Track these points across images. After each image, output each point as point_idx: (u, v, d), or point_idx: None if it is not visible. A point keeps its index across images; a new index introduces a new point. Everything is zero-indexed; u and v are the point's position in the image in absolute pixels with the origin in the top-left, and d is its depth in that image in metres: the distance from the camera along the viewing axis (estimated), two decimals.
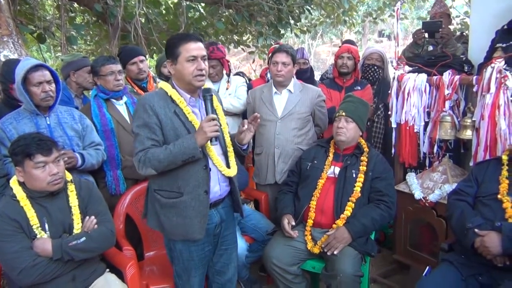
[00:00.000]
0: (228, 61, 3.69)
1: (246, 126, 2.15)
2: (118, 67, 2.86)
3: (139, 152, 2.00)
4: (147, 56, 3.69)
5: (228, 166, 2.20)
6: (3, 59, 3.20)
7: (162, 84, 2.12)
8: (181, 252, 2.19)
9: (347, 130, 2.70)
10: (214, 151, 2.11)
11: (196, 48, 2.02)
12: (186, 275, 2.22)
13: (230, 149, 2.22)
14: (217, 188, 2.18)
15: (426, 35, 3.21)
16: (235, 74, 4.28)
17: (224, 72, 3.59)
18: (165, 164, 1.98)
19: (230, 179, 2.25)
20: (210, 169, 2.10)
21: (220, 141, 2.16)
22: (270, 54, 3.96)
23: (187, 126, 2.05)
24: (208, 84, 3.37)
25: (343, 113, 2.71)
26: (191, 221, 2.09)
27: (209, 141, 1.98)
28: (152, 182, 2.16)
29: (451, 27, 4.05)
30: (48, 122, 2.49)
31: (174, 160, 1.97)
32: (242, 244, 2.84)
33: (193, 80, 2.03)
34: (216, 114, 2.16)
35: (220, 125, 2.16)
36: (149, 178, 2.19)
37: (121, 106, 2.94)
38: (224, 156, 2.21)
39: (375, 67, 3.78)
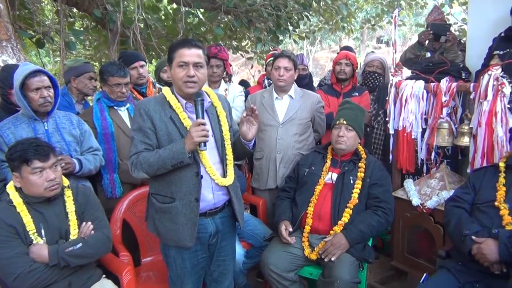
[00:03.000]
0: (230, 65, 3.72)
1: (244, 115, 2.11)
2: (126, 79, 2.86)
3: (132, 156, 2.01)
4: (146, 61, 3.70)
5: (224, 175, 2.17)
6: (1, 64, 3.20)
7: (164, 89, 2.12)
8: (175, 258, 2.18)
9: (348, 139, 2.70)
10: (207, 158, 2.07)
11: (188, 54, 1.99)
12: (180, 282, 2.22)
13: (230, 157, 2.17)
14: (211, 197, 2.14)
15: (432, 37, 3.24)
16: (239, 83, 4.30)
17: (222, 81, 3.60)
18: (155, 168, 1.97)
19: (228, 189, 2.20)
20: (202, 177, 2.08)
21: (218, 149, 2.14)
22: (267, 60, 4.00)
23: (182, 131, 2.03)
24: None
25: (344, 121, 2.71)
26: (182, 228, 2.06)
27: (198, 146, 1.94)
28: (150, 185, 2.17)
29: None
30: (46, 128, 2.49)
31: (164, 164, 1.95)
32: (239, 250, 2.83)
33: (182, 86, 2.01)
34: (219, 120, 2.15)
35: (222, 132, 2.15)
36: (148, 182, 2.20)
37: (123, 112, 2.95)
38: (222, 165, 2.17)
39: (376, 74, 3.79)
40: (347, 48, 4.62)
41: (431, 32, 3.24)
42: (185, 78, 1.99)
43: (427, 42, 3.42)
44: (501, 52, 2.67)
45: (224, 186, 2.15)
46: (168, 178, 2.05)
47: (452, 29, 3.43)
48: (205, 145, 1.96)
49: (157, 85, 3.63)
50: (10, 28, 3.44)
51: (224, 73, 3.58)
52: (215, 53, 3.41)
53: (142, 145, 2.01)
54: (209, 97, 2.17)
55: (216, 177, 2.10)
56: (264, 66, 4.25)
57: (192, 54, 2.00)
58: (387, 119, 3.16)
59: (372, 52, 4.83)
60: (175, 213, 2.06)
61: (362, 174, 2.66)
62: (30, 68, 2.41)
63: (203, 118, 1.97)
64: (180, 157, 1.93)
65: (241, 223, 2.29)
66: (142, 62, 3.31)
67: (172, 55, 2.02)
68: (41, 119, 2.48)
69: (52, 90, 2.47)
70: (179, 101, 2.07)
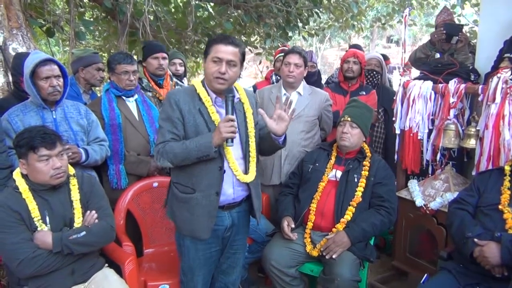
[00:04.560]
0: None
1: (276, 114, 2.08)
2: (133, 67, 2.87)
3: (159, 144, 2.06)
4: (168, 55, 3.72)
5: (246, 171, 2.17)
6: (12, 52, 3.23)
7: (194, 81, 2.15)
8: (189, 249, 2.21)
9: (351, 136, 2.70)
10: (232, 153, 2.09)
11: (223, 50, 2.00)
12: (191, 273, 2.24)
13: (253, 154, 2.17)
14: (231, 192, 2.16)
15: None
16: None
17: None
18: (180, 158, 2.01)
19: (248, 185, 2.21)
20: (224, 171, 2.10)
21: (242, 145, 2.15)
22: (276, 56, 3.99)
23: (209, 125, 2.06)
24: None
25: (349, 118, 2.71)
26: (199, 219, 2.10)
27: (225, 142, 1.97)
28: (172, 174, 2.22)
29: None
30: (54, 116, 2.51)
31: (189, 156, 1.99)
32: None
33: (213, 81, 2.04)
34: (245, 117, 2.16)
35: (247, 129, 2.15)
36: (170, 170, 2.26)
37: (131, 103, 2.96)
38: (244, 161, 2.17)
39: (374, 72, 3.83)
40: (356, 46, 4.60)
41: (444, 31, 3.22)
42: (217, 74, 2.01)
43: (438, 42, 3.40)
44: None
45: (245, 182, 2.16)
46: (190, 169, 2.07)
47: (463, 30, 3.40)
48: (232, 141, 1.97)
49: (174, 79, 3.67)
50: (21, 16, 3.46)
51: None
52: None
53: (169, 134, 2.05)
54: (238, 92, 2.17)
55: (238, 173, 2.12)
56: (273, 62, 4.25)
57: (227, 51, 2.00)
58: (388, 117, 3.14)
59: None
60: (194, 204, 2.10)
61: (367, 173, 2.66)
62: (40, 56, 2.42)
63: (232, 114, 1.98)
64: (207, 151, 1.96)
65: (258, 219, 2.31)
66: (165, 55, 3.38)
67: (209, 49, 2.04)
68: (50, 108, 2.50)
69: (61, 79, 2.49)
70: (209, 95, 2.09)
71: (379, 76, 3.85)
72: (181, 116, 2.05)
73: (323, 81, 4.70)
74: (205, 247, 2.20)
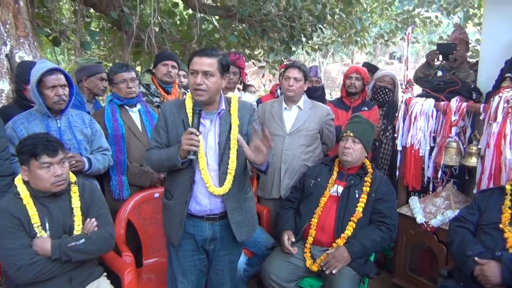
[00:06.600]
0: (246, 74, 3.78)
1: (254, 144, 1.97)
2: (131, 74, 2.89)
3: (146, 150, 2.21)
4: (179, 65, 3.77)
5: (221, 184, 2.14)
6: (18, 60, 3.25)
7: (188, 93, 2.19)
8: (171, 255, 2.28)
9: (354, 151, 2.71)
10: (205, 164, 2.11)
11: (198, 62, 2.03)
12: (174, 280, 2.27)
13: (231, 167, 2.13)
14: (206, 202, 2.15)
15: (440, 57, 3.25)
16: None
17: (236, 90, 3.65)
18: (156, 165, 2.14)
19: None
20: (194, 182, 2.12)
21: (219, 157, 2.13)
22: (281, 70, 4.02)
23: None
24: None
25: (351, 134, 2.72)
26: (171, 225, 2.20)
27: (188, 154, 1.98)
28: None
29: (468, 54, 4.03)
30: (59, 125, 2.53)
31: (162, 164, 2.10)
32: (241, 258, 2.83)
33: (192, 93, 2.08)
34: (230, 129, 2.13)
35: (229, 141, 2.12)
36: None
37: (134, 114, 2.98)
38: (218, 173, 2.14)
39: (386, 90, 3.81)
40: (367, 65, 4.59)
41: (437, 52, 3.25)
42: (194, 85, 2.04)
43: (437, 61, 3.42)
44: None
45: (218, 195, 2.14)
46: (171, 177, 2.19)
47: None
48: (194, 154, 1.99)
49: (182, 89, 3.71)
50: (28, 25, 3.49)
51: (239, 81, 3.64)
52: (233, 60, 3.47)
53: (154, 142, 2.19)
54: (229, 104, 2.18)
55: (209, 184, 2.12)
56: (278, 76, 4.28)
57: (202, 63, 2.03)
58: (395, 135, 3.16)
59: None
60: (171, 210, 2.20)
61: (368, 189, 2.66)
62: (47, 65, 2.45)
63: (197, 128, 2.00)
64: (174, 161, 2.03)
65: (238, 236, 2.21)
66: (175, 64, 3.44)
67: (189, 63, 2.09)
68: (55, 117, 2.52)
69: (67, 89, 2.51)
70: None
71: (391, 94, 3.84)
72: (165, 126, 2.16)
73: (327, 96, 4.72)
74: (185, 254, 2.23)
